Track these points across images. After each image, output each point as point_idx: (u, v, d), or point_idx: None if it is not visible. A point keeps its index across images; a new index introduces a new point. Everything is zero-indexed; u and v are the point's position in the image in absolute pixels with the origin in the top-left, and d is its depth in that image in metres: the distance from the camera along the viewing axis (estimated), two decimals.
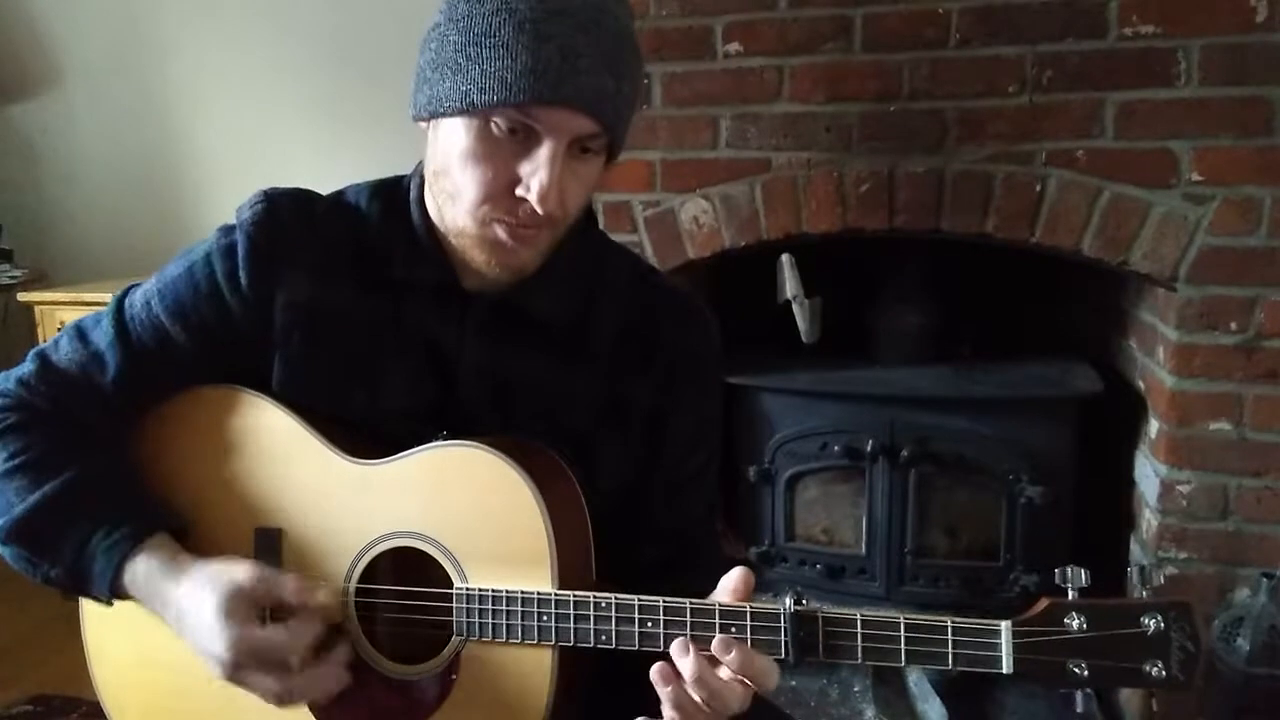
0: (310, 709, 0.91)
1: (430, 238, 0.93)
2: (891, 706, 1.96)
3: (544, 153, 0.81)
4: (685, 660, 0.79)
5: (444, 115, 0.84)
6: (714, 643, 0.79)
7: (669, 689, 0.80)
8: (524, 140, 0.82)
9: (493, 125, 0.82)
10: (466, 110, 0.82)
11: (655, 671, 0.80)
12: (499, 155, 0.83)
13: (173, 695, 0.96)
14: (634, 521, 0.98)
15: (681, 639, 0.80)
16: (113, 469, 0.94)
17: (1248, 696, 1.71)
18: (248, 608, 0.84)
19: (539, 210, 0.82)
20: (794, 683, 2.05)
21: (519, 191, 0.83)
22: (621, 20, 0.84)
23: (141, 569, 0.88)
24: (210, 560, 0.88)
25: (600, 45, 0.80)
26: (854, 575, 2.13)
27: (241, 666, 0.83)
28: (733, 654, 0.78)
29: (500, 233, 0.86)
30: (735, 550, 2.16)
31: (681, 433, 0.99)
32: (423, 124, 0.89)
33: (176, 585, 0.87)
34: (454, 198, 0.86)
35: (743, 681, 0.79)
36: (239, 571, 0.86)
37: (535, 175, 0.82)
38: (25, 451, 0.91)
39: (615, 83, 0.82)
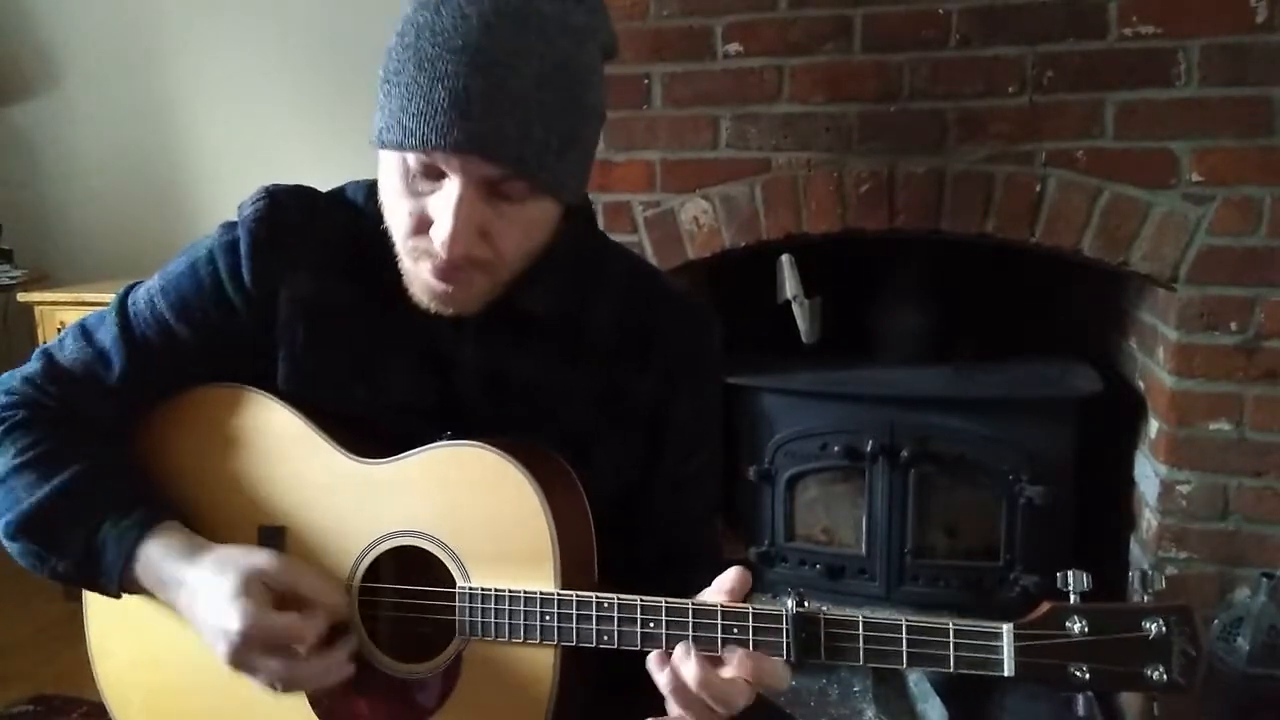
0: (313, 707, 0.91)
1: None
2: (891, 706, 1.96)
3: (450, 194, 0.79)
4: (688, 665, 0.79)
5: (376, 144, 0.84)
6: (729, 654, 0.79)
7: (674, 690, 0.80)
8: (438, 179, 0.81)
9: (408, 162, 0.81)
10: (383, 146, 0.82)
11: (660, 675, 0.80)
12: (416, 193, 0.82)
13: (176, 693, 0.96)
14: (634, 521, 0.99)
15: (683, 644, 0.80)
16: (120, 462, 0.94)
17: (1248, 697, 1.72)
18: (265, 591, 0.85)
19: (444, 255, 0.80)
20: (794, 682, 2.04)
21: (431, 232, 0.81)
22: (551, 57, 0.78)
23: (155, 552, 0.88)
24: (229, 545, 0.89)
25: (504, 88, 0.76)
26: (854, 575, 2.13)
27: (250, 646, 0.83)
28: (743, 662, 0.78)
29: (427, 272, 0.84)
30: (735, 550, 2.16)
31: (681, 432, 0.99)
32: None
33: (193, 565, 0.87)
34: (392, 228, 0.86)
35: (746, 680, 0.79)
36: (261, 556, 0.87)
37: (441, 217, 0.80)
38: (32, 447, 0.91)
39: (522, 128, 0.77)
